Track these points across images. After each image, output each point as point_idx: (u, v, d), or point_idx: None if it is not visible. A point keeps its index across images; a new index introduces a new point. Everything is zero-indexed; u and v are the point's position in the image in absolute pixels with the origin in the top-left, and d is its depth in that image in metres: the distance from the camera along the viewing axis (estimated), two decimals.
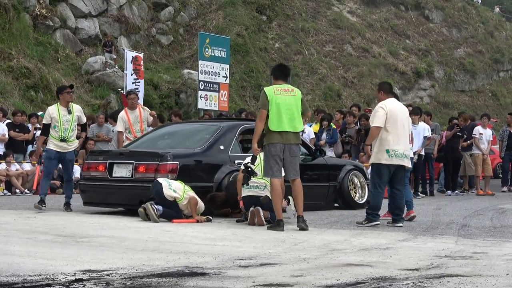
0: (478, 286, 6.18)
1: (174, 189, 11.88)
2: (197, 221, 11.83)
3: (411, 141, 13.28)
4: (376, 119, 11.92)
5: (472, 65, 49.66)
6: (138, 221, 11.70)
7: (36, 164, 14.50)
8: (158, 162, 12.62)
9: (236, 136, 13.94)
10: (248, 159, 11.82)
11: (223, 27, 37.69)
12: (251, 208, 11.70)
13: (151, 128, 16.08)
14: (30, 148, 21.42)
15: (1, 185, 19.59)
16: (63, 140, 13.75)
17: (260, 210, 11.63)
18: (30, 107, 25.49)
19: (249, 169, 11.36)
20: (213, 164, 13.22)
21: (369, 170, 13.98)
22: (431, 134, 20.98)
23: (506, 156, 23.29)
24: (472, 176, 22.60)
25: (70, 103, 14.03)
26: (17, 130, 21.04)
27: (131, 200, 12.82)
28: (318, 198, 14.86)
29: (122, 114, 15.77)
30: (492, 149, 24.53)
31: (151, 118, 15.78)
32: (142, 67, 24.35)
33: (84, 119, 14.44)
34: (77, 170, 20.61)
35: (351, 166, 15.82)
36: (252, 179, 11.81)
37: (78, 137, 14.52)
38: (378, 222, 11.82)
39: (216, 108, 26.18)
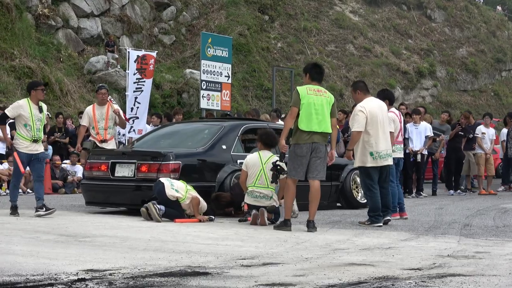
0: (481, 285, 6.18)
1: (176, 188, 11.88)
2: (200, 221, 11.83)
3: (399, 139, 13.36)
4: (357, 124, 11.85)
5: (475, 64, 49.62)
6: (140, 221, 11.71)
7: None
8: (160, 162, 12.63)
9: (238, 136, 13.94)
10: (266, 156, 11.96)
11: (225, 26, 37.67)
12: (254, 211, 11.70)
13: (118, 127, 15.91)
14: None
15: (4, 184, 19.60)
16: (35, 141, 12.67)
17: (265, 211, 11.64)
18: None
19: (278, 167, 11.24)
20: (215, 164, 13.22)
21: None
22: (441, 136, 20.99)
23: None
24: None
25: (40, 101, 13.14)
26: None
27: (134, 199, 12.83)
28: (321, 198, 14.82)
29: (89, 108, 15.23)
30: (494, 148, 24.47)
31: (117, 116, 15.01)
32: (151, 66, 24.20)
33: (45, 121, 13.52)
34: (79, 170, 20.64)
35: (353, 166, 15.80)
36: (259, 189, 11.81)
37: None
38: (381, 224, 11.83)
39: (219, 108, 26.17)
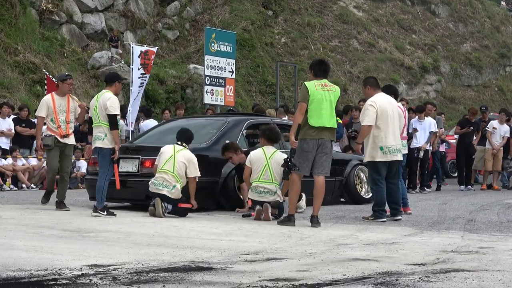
0: (485, 280, 6.18)
1: (173, 185, 11.85)
2: (192, 206, 11.95)
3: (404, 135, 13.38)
4: (367, 118, 11.86)
5: (479, 59, 49.54)
6: (144, 216, 11.73)
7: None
8: None
9: (242, 131, 13.95)
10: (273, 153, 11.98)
11: (229, 22, 37.65)
12: (258, 207, 11.71)
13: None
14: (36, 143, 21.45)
15: (7, 180, 19.63)
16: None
17: (269, 206, 11.65)
18: (36, 102, 25.48)
19: (289, 163, 11.13)
20: (219, 159, 13.22)
21: None
22: (441, 129, 20.98)
23: None
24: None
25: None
26: (23, 125, 21.08)
27: (137, 195, 12.83)
28: (324, 193, 14.85)
29: (47, 98, 13.40)
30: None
31: (79, 110, 13.50)
32: (151, 61, 24.27)
33: None
34: (83, 165, 20.65)
35: (357, 161, 15.81)
36: (263, 184, 11.81)
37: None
38: (385, 220, 11.83)
39: (222, 103, 26.18)
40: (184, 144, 12.33)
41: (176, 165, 11.98)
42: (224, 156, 12.98)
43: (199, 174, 12.06)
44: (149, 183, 12.02)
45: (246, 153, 12.79)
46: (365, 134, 11.94)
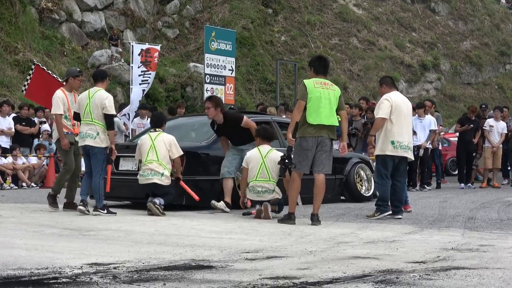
0: (485, 278, 6.18)
1: (161, 173, 11.90)
2: (178, 178, 12.17)
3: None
4: (382, 111, 11.98)
5: (478, 57, 49.52)
6: (145, 215, 11.73)
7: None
8: None
9: None
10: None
11: (229, 20, 37.64)
12: (258, 206, 11.71)
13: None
14: (36, 141, 21.45)
15: (8, 178, 19.63)
16: None
17: (269, 205, 11.65)
18: None
19: (286, 160, 11.13)
20: (219, 157, 13.21)
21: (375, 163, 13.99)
22: (439, 127, 20.96)
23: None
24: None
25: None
26: (23, 123, 21.08)
27: (138, 193, 12.82)
28: (325, 191, 14.85)
29: (60, 94, 12.61)
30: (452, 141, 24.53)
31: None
32: (156, 59, 24.31)
33: None
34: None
35: (357, 159, 15.82)
36: (261, 183, 11.79)
37: None
38: (390, 212, 11.88)
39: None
40: (157, 129, 12.34)
41: (158, 152, 12.02)
42: (204, 104, 13.03)
43: (182, 153, 12.09)
44: (138, 176, 12.07)
45: (225, 114, 12.93)
46: (379, 126, 12.03)
